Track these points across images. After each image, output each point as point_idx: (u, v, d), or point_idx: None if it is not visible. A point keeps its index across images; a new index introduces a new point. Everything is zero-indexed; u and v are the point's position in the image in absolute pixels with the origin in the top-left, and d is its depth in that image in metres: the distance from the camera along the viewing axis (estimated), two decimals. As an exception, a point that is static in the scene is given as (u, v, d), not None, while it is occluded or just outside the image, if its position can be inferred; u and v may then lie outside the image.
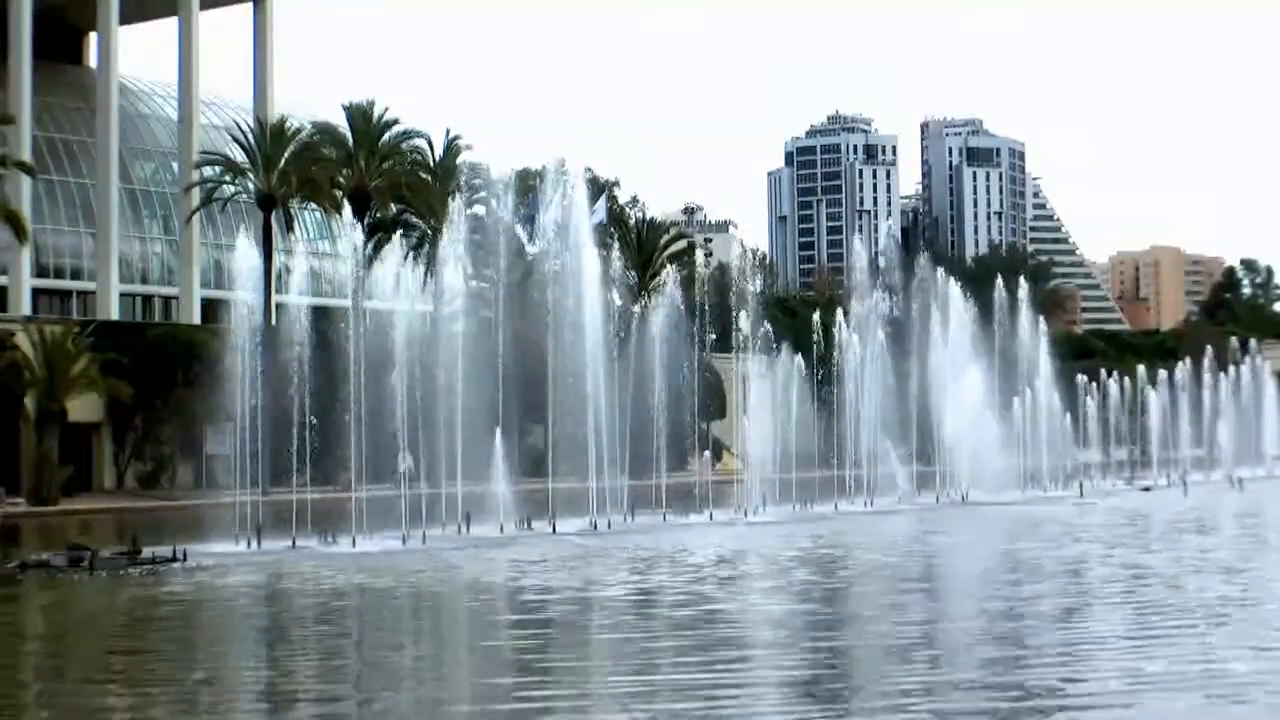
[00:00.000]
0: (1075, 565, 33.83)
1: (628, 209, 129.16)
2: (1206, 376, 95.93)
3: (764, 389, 62.61)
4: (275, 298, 74.70)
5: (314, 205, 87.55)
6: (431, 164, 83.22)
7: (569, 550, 39.37)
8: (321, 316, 56.54)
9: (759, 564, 35.40)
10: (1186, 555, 35.92)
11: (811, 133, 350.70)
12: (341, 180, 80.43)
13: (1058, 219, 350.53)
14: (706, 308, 61.73)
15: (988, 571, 33.54)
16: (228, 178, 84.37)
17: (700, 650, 21.23)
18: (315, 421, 44.31)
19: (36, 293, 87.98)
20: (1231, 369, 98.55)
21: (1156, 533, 44.72)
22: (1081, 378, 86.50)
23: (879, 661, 20.46)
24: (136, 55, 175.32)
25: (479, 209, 69.37)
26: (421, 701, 18.25)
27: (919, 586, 30.99)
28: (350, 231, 59.48)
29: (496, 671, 20.25)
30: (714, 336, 65.71)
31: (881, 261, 77.83)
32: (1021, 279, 79.55)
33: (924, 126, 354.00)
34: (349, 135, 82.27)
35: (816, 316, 70.54)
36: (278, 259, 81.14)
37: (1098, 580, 30.65)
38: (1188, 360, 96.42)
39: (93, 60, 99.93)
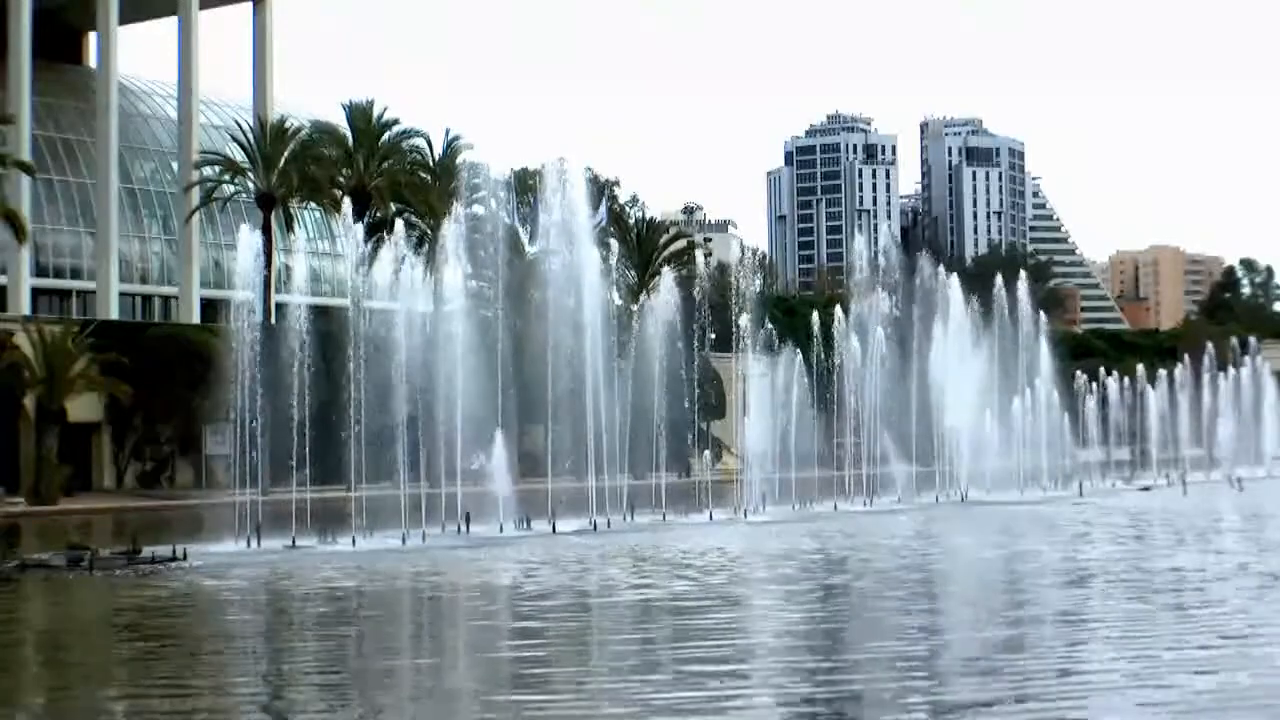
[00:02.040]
0: (1117, 567, 32.78)
1: (628, 209, 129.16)
2: (1206, 376, 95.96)
3: (764, 389, 62.65)
4: (275, 297, 74.79)
5: (314, 205, 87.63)
6: (431, 164, 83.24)
7: (569, 550, 39.35)
8: (321, 316, 56.56)
9: (771, 565, 35.02)
10: (1224, 557, 35.11)
11: (811, 132, 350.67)
12: (341, 180, 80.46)
13: (1057, 219, 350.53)
14: (706, 307, 61.73)
15: (1023, 575, 32.41)
16: (227, 177, 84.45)
17: (714, 661, 20.84)
18: (315, 420, 44.31)
19: (36, 292, 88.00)
20: (1231, 369, 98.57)
21: (1173, 533, 43.96)
22: (1081, 377, 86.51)
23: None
24: (136, 55, 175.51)
25: (478, 208, 69.37)
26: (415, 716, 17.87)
27: (970, 591, 30.10)
28: (350, 231, 59.37)
29: (492, 686, 19.39)
30: (714, 336, 65.70)
31: (882, 261, 77.80)
32: (1021, 278, 79.59)
33: (924, 126, 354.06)
34: (349, 135, 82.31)
35: (816, 316, 70.54)
36: (277, 258, 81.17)
37: (1158, 583, 29.39)
38: (1187, 360, 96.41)
39: (92, 60, 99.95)
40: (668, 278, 61.09)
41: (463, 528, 44.10)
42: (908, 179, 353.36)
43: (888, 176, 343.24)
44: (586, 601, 28.16)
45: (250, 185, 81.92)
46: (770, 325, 64.81)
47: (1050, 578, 31.10)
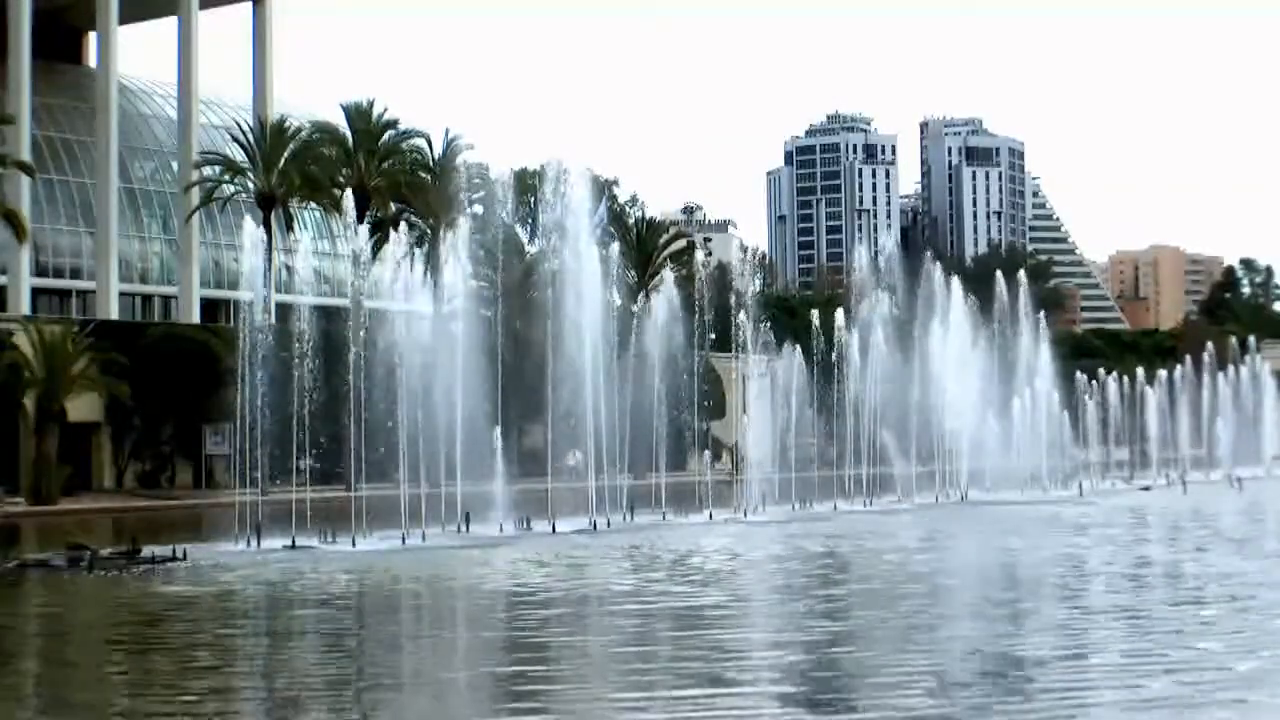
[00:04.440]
0: (1166, 569, 31.96)
1: (627, 209, 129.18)
2: (1206, 376, 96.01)
3: (764, 389, 62.63)
4: (275, 297, 74.75)
5: (314, 205, 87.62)
6: (431, 164, 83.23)
7: (571, 550, 39.28)
8: (322, 316, 56.55)
9: (791, 567, 34.50)
10: (1267, 557, 34.39)
11: (811, 132, 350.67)
12: (341, 180, 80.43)
13: (1057, 219, 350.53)
14: (706, 307, 61.71)
15: (1063, 575, 31.29)
16: (227, 177, 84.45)
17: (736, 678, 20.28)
18: (315, 420, 44.28)
19: (36, 292, 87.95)
20: (1231, 369, 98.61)
21: (1202, 534, 43.11)
22: (1081, 377, 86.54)
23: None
24: (136, 55, 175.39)
25: (478, 208, 69.38)
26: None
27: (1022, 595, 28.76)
28: (351, 231, 59.41)
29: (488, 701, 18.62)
30: (713, 336, 65.70)
31: (881, 261, 77.85)
32: (1021, 278, 79.60)
33: (923, 126, 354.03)
34: (349, 135, 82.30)
35: (816, 316, 70.55)
36: (277, 258, 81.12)
37: (1231, 587, 28.37)
38: (1187, 360, 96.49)
39: (92, 60, 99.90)
40: (668, 278, 61.05)
41: (463, 527, 44.07)
42: (908, 179, 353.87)
43: (888, 176, 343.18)
44: (592, 606, 27.96)
45: (250, 185, 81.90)
46: (770, 325, 64.77)
47: (1113, 581, 29.77)
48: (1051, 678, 18.59)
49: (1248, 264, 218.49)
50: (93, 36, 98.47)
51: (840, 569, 34.17)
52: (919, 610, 25.70)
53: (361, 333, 44.97)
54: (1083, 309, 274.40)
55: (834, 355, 65.22)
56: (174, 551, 35.97)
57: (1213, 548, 37.63)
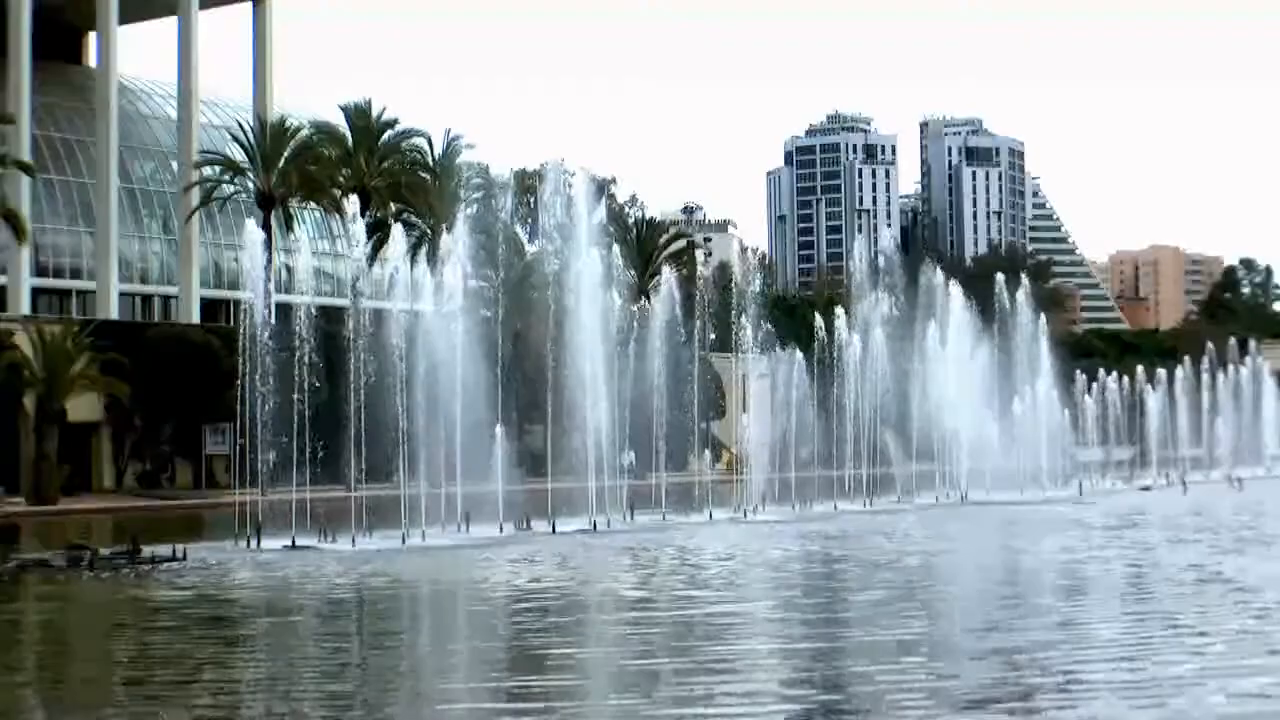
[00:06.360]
0: (1202, 572, 30.64)
1: (626, 208, 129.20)
2: (1206, 376, 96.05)
3: (764, 389, 62.60)
4: (275, 297, 74.70)
5: (313, 205, 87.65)
6: (431, 163, 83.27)
7: (572, 549, 39.25)
8: (321, 316, 56.54)
9: (812, 569, 34.19)
10: None
11: (811, 132, 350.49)
12: (341, 180, 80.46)
13: (1057, 218, 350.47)
14: (706, 307, 61.68)
15: (1122, 579, 29.74)
16: (227, 177, 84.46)
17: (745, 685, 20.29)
18: (314, 420, 44.26)
19: (36, 292, 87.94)
20: (1231, 369, 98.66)
21: (1205, 533, 42.33)
22: (1081, 377, 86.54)
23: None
24: (136, 55, 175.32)
25: (478, 208, 69.41)
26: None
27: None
28: (351, 230, 59.27)
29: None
30: (714, 336, 65.71)
31: (881, 261, 77.84)
32: (1021, 278, 79.55)
33: (923, 126, 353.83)
34: (348, 135, 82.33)
35: (816, 316, 70.54)
36: (277, 258, 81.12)
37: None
38: (1187, 360, 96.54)
39: (92, 60, 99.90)
40: (668, 278, 61.03)
41: (462, 527, 44.05)
42: (908, 179, 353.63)
43: (887, 176, 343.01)
44: (601, 611, 27.91)
45: (250, 185, 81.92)
46: (770, 325, 64.75)
47: (1165, 585, 28.63)
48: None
49: (1248, 264, 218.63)
50: (93, 36, 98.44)
51: (863, 570, 33.36)
52: (993, 612, 25.23)
53: (361, 333, 44.96)
54: (1083, 309, 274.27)
55: (833, 355, 65.17)
56: (174, 551, 35.96)
57: (1239, 549, 36.58)
